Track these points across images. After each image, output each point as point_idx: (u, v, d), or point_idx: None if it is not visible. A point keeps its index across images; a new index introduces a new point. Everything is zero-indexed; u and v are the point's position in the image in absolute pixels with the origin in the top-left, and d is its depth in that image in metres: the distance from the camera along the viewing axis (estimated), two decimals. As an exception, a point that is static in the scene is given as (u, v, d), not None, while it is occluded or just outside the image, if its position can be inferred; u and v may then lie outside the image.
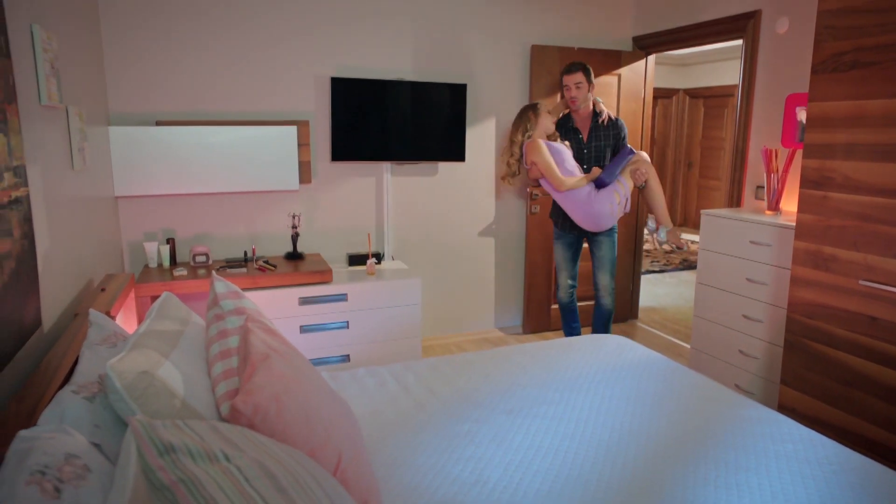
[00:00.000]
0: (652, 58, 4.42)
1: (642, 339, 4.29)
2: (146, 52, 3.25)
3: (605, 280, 3.63)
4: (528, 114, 3.46)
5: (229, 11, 3.38)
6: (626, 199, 3.37)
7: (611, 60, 4.26)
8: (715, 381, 2.12)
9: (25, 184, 1.56)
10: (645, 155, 3.47)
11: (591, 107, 3.55)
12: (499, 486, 1.48)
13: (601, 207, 3.34)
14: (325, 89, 3.63)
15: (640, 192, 3.49)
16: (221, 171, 3.31)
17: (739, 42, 3.65)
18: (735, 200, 3.72)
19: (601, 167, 3.47)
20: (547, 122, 3.46)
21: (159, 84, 3.31)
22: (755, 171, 3.58)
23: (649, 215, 3.54)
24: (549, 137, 3.49)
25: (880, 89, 2.25)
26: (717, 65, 8.23)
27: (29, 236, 1.56)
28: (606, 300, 3.65)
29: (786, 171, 3.17)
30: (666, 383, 2.08)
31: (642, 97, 4.43)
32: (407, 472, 1.53)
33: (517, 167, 3.54)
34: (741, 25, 3.57)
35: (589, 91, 3.47)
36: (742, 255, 3.15)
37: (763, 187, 3.48)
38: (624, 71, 4.31)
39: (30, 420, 1.23)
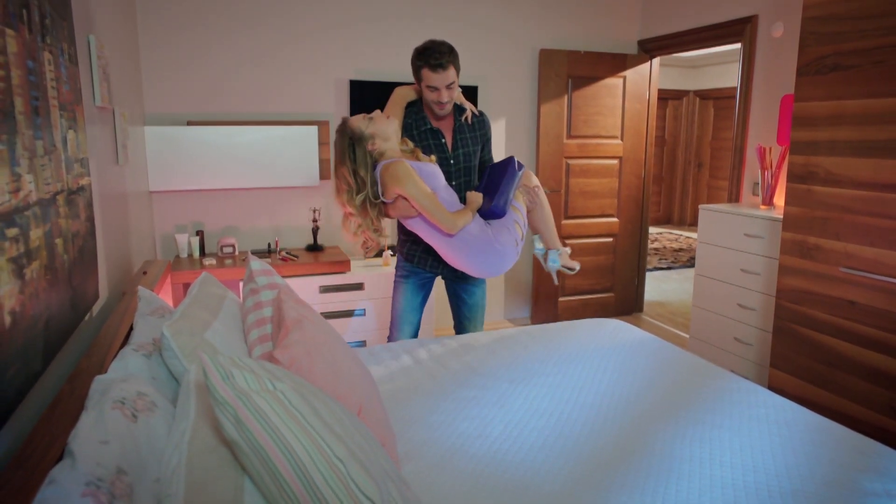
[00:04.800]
0: (656, 60, 4.60)
1: (645, 330, 4.45)
2: (179, 57, 3.50)
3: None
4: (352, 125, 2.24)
5: (255, 22, 3.62)
6: (525, 229, 2.49)
7: (617, 63, 4.45)
8: (701, 358, 2.31)
9: (88, 174, 1.79)
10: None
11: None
12: (499, 439, 1.69)
13: (505, 247, 2.36)
14: (344, 91, 3.86)
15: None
16: (247, 168, 3.55)
17: (738, 45, 3.82)
18: (734, 196, 3.89)
19: (471, 185, 2.55)
20: (385, 127, 2.23)
21: (191, 87, 3.56)
22: (752, 168, 3.75)
23: (535, 236, 2.68)
24: (405, 153, 2.30)
25: (858, 90, 2.43)
26: (727, 66, 8.34)
27: (91, 219, 1.79)
28: None
29: (779, 167, 3.34)
30: (656, 359, 2.27)
31: (647, 99, 4.61)
32: (419, 428, 1.74)
33: (375, 221, 2.27)
34: (739, 30, 3.74)
35: None
36: (737, 248, 3.33)
37: (759, 183, 3.65)
38: (629, 73, 4.49)
39: (100, 371, 1.45)
